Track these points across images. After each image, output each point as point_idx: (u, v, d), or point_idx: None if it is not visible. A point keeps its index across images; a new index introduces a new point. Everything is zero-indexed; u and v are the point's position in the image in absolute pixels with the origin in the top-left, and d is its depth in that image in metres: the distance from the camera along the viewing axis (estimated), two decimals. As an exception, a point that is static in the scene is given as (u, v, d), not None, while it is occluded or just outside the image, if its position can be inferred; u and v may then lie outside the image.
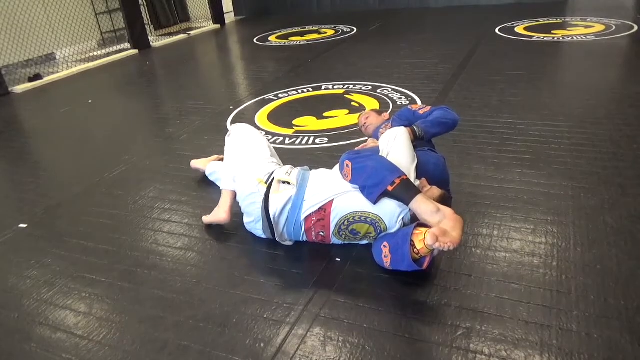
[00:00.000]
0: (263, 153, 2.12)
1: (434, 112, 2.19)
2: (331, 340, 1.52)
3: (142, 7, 7.47)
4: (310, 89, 4.28)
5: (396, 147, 1.88)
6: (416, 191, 1.69)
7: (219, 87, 5.19)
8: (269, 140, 3.20)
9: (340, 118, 3.48)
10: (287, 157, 2.92)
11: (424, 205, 1.65)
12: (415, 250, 1.59)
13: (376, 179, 1.69)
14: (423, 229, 1.61)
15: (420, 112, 2.24)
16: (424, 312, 1.46)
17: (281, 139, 3.20)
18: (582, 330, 1.45)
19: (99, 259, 2.06)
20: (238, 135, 2.26)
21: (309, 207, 1.82)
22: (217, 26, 8.50)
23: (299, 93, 4.22)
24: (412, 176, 1.81)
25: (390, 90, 3.98)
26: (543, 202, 2.15)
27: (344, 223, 1.80)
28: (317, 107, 3.75)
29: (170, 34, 8.12)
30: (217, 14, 8.56)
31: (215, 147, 3.12)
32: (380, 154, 1.89)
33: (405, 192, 1.68)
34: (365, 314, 1.61)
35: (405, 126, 2.06)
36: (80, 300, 1.82)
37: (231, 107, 3.96)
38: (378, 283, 1.73)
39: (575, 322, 1.48)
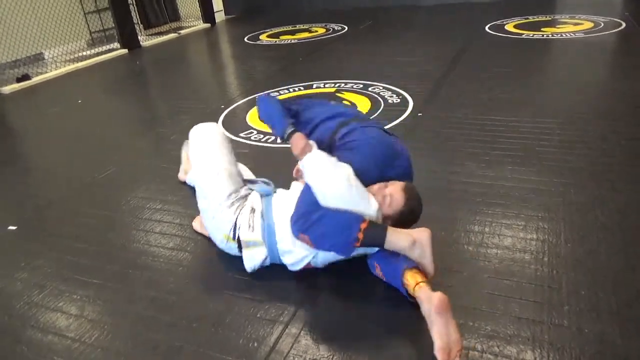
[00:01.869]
0: (222, 178, 1.88)
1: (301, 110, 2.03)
2: (325, 339, 1.52)
3: (131, 6, 7.41)
4: (302, 88, 4.28)
5: (328, 193, 1.59)
6: (383, 231, 1.54)
7: (210, 86, 5.16)
8: (260, 139, 3.20)
9: (331, 116, 3.48)
10: (278, 156, 2.92)
11: (399, 244, 1.54)
12: (406, 285, 1.53)
13: (340, 240, 1.54)
14: (413, 275, 1.51)
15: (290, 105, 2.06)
16: (417, 309, 1.46)
17: (273, 137, 3.19)
18: (573, 325, 1.46)
19: (90, 260, 2.04)
20: (195, 151, 2.03)
21: (290, 263, 1.75)
22: (208, 25, 8.45)
23: (290, 92, 4.21)
24: (369, 201, 1.61)
25: (381, 88, 3.99)
26: (534, 199, 2.16)
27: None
28: (309, 105, 3.75)
29: (160, 34, 8.06)
30: (208, 13, 8.52)
31: (206, 146, 3.12)
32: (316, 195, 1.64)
33: (374, 238, 1.54)
34: (358, 312, 1.61)
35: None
36: (71, 302, 1.81)
37: (222, 107, 3.94)
38: (370, 281, 1.73)
39: (566, 317, 1.50)
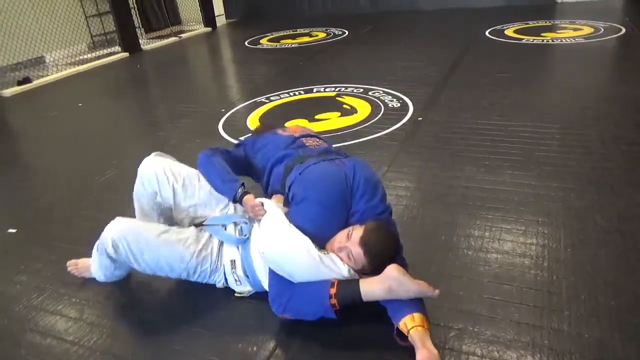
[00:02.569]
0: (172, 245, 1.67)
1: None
2: (324, 342, 1.52)
3: (132, 10, 7.44)
4: (302, 92, 4.28)
5: (289, 270, 1.51)
6: (356, 287, 1.46)
7: (211, 90, 5.17)
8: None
9: (332, 120, 3.48)
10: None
11: (377, 293, 1.45)
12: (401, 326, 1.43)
13: (319, 310, 1.47)
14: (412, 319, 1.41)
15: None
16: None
17: (273, 141, 3.19)
18: (573, 330, 1.46)
19: (90, 263, 2.04)
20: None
21: None
22: (209, 29, 8.48)
23: (290, 96, 4.22)
24: (330, 265, 1.50)
25: (381, 92, 3.99)
26: (533, 203, 2.16)
27: None
28: (309, 109, 3.75)
29: (161, 37, 8.08)
30: (208, 17, 8.54)
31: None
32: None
33: (349, 298, 1.45)
34: (358, 315, 1.60)
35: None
36: (70, 306, 1.80)
37: (223, 110, 3.94)
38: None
39: (566, 322, 1.49)
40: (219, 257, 1.70)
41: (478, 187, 2.35)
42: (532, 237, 1.93)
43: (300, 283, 1.51)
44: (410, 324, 1.39)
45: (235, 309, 1.69)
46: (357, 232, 1.53)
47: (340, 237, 1.55)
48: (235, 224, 1.71)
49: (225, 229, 1.71)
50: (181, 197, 1.81)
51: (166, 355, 1.53)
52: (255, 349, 1.51)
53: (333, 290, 1.45)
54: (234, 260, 1.68)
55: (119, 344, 1.60)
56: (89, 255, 1.83)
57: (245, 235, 1.68)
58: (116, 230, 1.67)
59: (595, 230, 1.93)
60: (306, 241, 1.51)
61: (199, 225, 1.77)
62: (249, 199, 1.70)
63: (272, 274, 1.57)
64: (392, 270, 1.44)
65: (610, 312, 1.51)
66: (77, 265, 1.94)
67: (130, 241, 1.64)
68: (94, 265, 1.81)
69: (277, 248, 1.53)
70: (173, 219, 1.86)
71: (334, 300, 1.44)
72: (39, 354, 1.59)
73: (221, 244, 1.71)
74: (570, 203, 2.14)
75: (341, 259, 1.52)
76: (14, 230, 2.40)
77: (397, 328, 1.42)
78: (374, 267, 1.51)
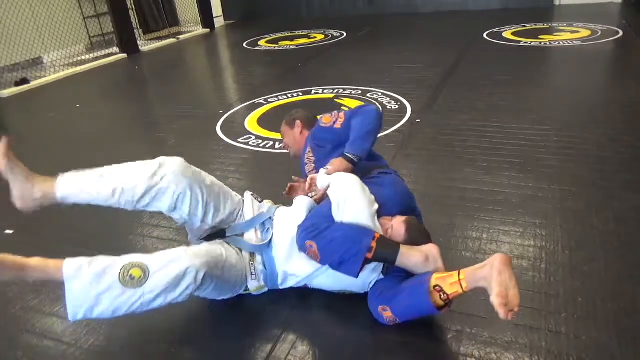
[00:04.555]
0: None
1: (354, 123, 1.84)
2: (322, 344, 1.52)
3: (130, 11, 7.44)
4: (300, 94, 4.28)
5: (350, 205, 1.55)
6: (396, 246, 1.49)
7: (209, 91, 5.17)
8: (258, 145, 3.20)
9: (330, 122, 3.48)
10: (277, 161, 2.92)
11: (411, 259, 1.49)
12: (442, 296, 1.40)
13: (350, 251, 1.46)
14: (442, 275, 1.43)
15: (337, 126, 1.89)
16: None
17: (271, 143, 3.19)
18: (571, 332, 1.46)
19: (87, 265, 2.03)
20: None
21: (291, 284, 1.70)
22: (207, 30, 8.48)
23: (289, 97, 4.22)
24: (377, 225, 1.57)
25: (379, 94, 4.00)
26: (531, 205, 2.16)
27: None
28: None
29: (159, 38, 8.08)
30: (207, 18, 8.55)
31: (204, 151, 3.11)
32: (333, 208, 1.58)
33: (386, 254, 1.48)
34: (357, 317, 1.60)
35: (337, 156, 1.79)
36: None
37: (221, 112, 3.94)
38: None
39: (563, 324, 1.49)
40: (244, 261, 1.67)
41: (476, 189, 2.35)
42: (529, 239, 1.93)
43: (345, 224, 1.53)
44: (449, 279, 1.39)
45: (234, 310, 1.69)
46: (399, 218, 1.61)
47: (385, 217, 1.62)
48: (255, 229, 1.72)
49: (243, 236, 1.70)
50: (210, 216, 1.68)
51: (163, 358, 1.53)
52: (252, 351, 1.51)
53: (377, 236, 1.48)
54: (254, 253, 1.67)
55: (115, 347, 1.59)
56: (87, 256, 1.81)
57: (267, 231, 1.70)
58: (200, 261, 1.44)
59: (593, 233, 1.93)
60: (372, 197, 1.59)
61: (212, 237, 1.69)
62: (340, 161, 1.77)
63: (317, 209, 1.66)
64: (433, 247, 1.53)
65: (608, 315, 1.51)
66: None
67: (214, 275, 1.49)
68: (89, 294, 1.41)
69: (351, 184, 1.59)
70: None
71: (374, 244, 1.46)
72: (35, 356, 1.58)
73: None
74: (567, 205, 2.14)
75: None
76: (10, 232, 2.39)
77: (433, 289, 1.40)
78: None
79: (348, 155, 1.77)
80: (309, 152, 1.98)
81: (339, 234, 1.50)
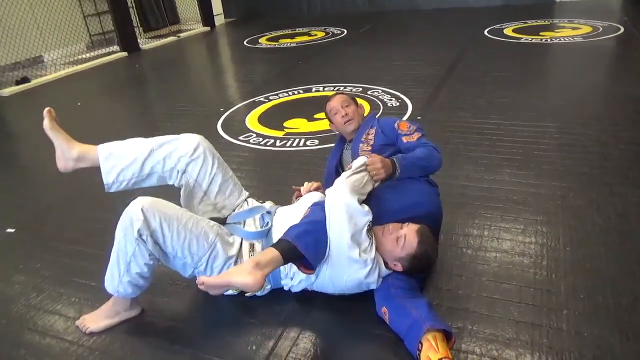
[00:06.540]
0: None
1: (418, 150, 1.83)
2: (323, 342, 1.52)
3: (131, 9, 7.43)
4: (301, 91, 4.28)
5: (332, 226, 1.52)
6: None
7: (209, 89, 5.17)
8: (259, 142, 3.20)
9: (330, 120, 3.48)
10: (277, 158, 2.92)
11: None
12: (419, 346, 1.36)
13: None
14: (434, 344, 1.34)
15: (404, 139, 1.89)
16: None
17: (272, 141, 3.19)
18: (572, 329, 1.46)
19: (89, 263, 2.04)
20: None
21: (292, 283, 1.68)
22: (207, 28, 8.47)
23: (289, 95, 4.22)
24: (363, 237, 1.53)
25: (380, 92, 3.99)
26: (532, 202, 2.16)
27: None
28: (308, 109, 3.75)
29: (159, 37, 8.08)
30: (207, 16, 8.53)
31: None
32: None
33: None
34: (357, 315, 1.61)
35: (387, 156, 1.77)
36: (69, 305, 1.80)
37: (221, 110, 3.94)
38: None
39: (565, 320, 1.50)
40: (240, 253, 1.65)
41: (477, 186, 2.35)
42: (531, 236, 1.93)
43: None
44: (443, 349, 1.31)
45: (234, 309, 1.69)
46: (411, 226, 1.56)
47: (395, 224, 1.59)
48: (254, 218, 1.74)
49: (244, 226, 1.72)
50: (215, 190, 1.74)
51: (165, 355, 1.53)
52: (254, 347, 1.51)
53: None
54: (253, 244, 1.66)
55: (117, 344, 1.59)
56: (89, 255, 1.82)
57: (267, 224, 1.70)
58: (145, 202, 1.55)
59: (594, 229, 1.93)
60: (360, 208, 1.52)
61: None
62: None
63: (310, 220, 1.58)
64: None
65: (609, 311, 1.52)
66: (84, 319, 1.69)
67: (160, 211, 1.54)
68: (114, 275, 1.61)
69: (337, 204, 1.51)
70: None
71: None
72: (38, 354, 1.59)
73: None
74: (568, 202, 2.14)
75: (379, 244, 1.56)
76: (12, 230, 2.40)
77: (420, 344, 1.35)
78: (412, 262, 1.52)
79: (396, 161, 1.75)
80: (371, 134, 1.96)
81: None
